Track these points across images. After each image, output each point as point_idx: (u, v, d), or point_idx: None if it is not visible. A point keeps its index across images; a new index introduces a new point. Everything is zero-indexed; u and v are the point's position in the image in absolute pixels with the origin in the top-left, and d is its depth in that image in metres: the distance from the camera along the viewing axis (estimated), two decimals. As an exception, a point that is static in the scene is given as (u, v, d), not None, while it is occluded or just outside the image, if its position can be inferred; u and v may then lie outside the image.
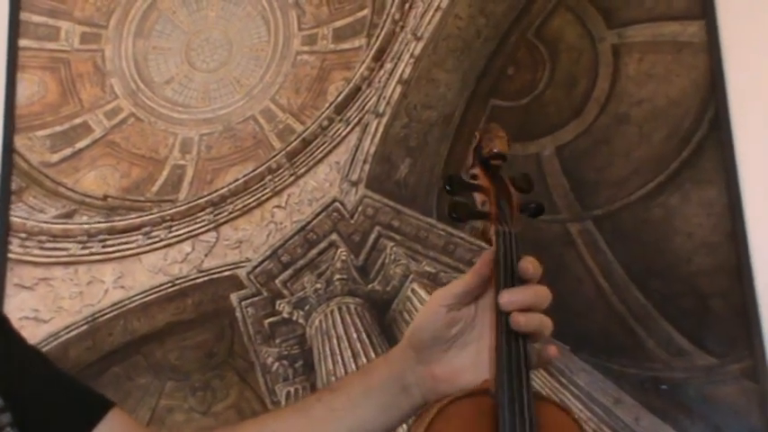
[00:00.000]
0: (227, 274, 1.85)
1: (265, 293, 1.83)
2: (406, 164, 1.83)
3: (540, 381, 1.64)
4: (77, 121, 1.99)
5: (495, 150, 1.04)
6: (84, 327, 1.86)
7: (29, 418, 0.99)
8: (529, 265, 0.98)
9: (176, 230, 1.89)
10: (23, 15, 2.04)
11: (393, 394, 1.02)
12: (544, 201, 1.02)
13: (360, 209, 1.83)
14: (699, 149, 1.74)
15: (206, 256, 1.87)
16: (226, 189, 1.90)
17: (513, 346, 0.96)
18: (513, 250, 0.99)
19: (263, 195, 1.88)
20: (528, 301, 0.97)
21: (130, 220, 1.91)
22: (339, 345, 1.77)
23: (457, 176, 1.06)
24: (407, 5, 1.90)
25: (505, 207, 1.03)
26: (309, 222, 1.84)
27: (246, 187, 1.89)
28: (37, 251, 1.92)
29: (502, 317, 0.96)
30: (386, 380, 1.04)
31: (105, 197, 1.93)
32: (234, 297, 1.84)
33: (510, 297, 0.96)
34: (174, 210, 1.91)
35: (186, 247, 1.88)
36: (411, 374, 1.03)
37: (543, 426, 0.94)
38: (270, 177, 1.89)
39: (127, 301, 1.87)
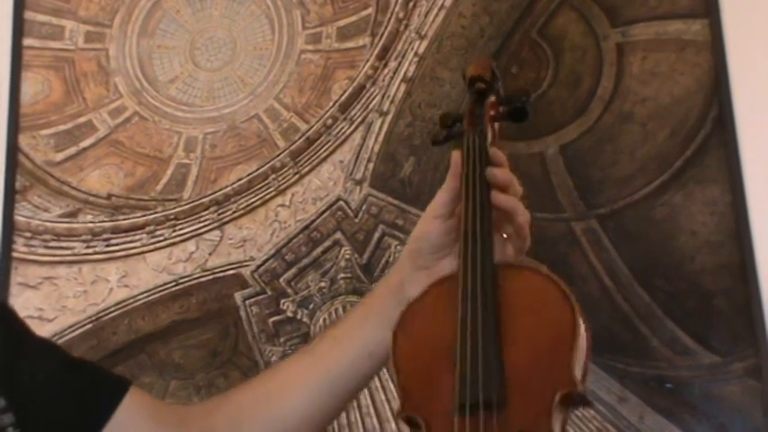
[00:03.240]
0: (231, 272, 1.85)
1: (269, 292, 1.83)
2: (410, 162, 1.83)
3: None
4: (81, 119, 1.99)
5: (470, 74, 1.15)
6: (89, 326, 1.86)
7: (47, 410, 0.99)
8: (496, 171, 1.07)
9: (180, 229, 1.89)
10: (27, 14, 2.05)
11: (392, 308, 1.05)
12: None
13: (364, 207, 1.83)
14: (703, 148, 1.74)
15: (210, 254, 1.87)
16: (230, 188, 1.90)
17: (472, 208, 1.03)
18: (476, 146, 1.08)
19: (267, 194, 1.88)
20: (507, 178, 1.06)
21: (135, 219, 1.92)
22: (343, 343, 1.77)
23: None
24: (411, 4, 1.90)
25: (480, 114, 1.11)
26: (313, 221, 1.84)
27: (250, 186, 1.89)
28: (41, 250, 1.92)
29: (468, 188, 1.05)
30: (385, 298, 1.09)
31: (109, 196, 1.94)
32: (238, 296, 1.84)
33: (494, 170, 1.06)
34: (178, 209, 1.91)
35: (190, 245, 1.88)
36: (409, 284, 1.07)
37: (509, 289, 0.97)
38: (274, 176, 1.89)
39: (131, 300, 1.87)
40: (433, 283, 1.05)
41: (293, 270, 1.83)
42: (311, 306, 1.81)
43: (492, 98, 1.14)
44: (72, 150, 1.98)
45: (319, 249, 1.83)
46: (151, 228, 1.91)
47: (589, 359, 0.93)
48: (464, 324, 0.95)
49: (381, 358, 1.07)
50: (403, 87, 1.87)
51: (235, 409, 1.11)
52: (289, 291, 1.82)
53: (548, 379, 0.89)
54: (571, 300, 0.94)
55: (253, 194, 1.89)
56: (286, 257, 1.84)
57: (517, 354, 0.92)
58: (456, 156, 1.11)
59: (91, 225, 1.93)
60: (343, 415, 1.73)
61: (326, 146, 1.88)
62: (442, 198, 1.10)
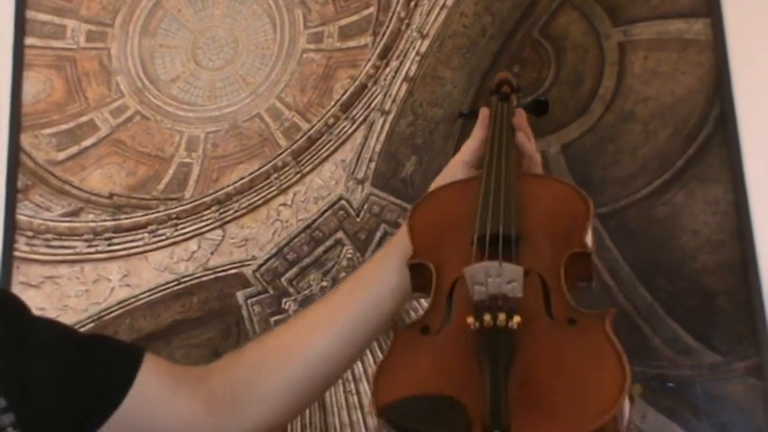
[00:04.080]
0: (233, 272, 1.85)
1: (271, 291, 1.83)
2: (411, 162, 1.83)
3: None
4: (83, 119, 1.99)
5: (497, 80, 1.31)
6: (91, 325, 1.86)
7: (54, 403, 0.98)
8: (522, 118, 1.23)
9: (182, 228, 1.90)
10: (29, 14, 2.05)
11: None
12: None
13: (366, 207, 1.83)
14: (704, 147, 1.74)
15: (212, 254, 1.87)
16: (232, 187, 1.90)
17: (498, 141, 1.14)
18: (503, 106, 1.23)
19: (268, 193, 1.88)
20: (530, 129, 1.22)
21: (136, 219, 1.92)
22: (345, 342, 1.77)
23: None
24: (413, 3, 1.90)
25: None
26: (315, 220, 1.85)
27: (252, 185, 1.89)
28: (43, 249, 1.92)
29: (495, 131, 1.18)
30: (405, 240, 1.10)
31: (111, 195, 1.94)
32: (240, 295, 1.84)
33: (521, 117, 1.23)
34: (179, 208, 1.91)
35: (192, 245, 1.88)
36: None
37: (529, 187, 1.06)
38: (276, 175, 1.89)
39: (133, 300, 1.87)
40: (453, 181, 1.13)
41: (295, 269, 1.83)
42: (313, 305, 1.80)
43: (514, 100, 1.28)
44: (74, 149, 1.98)
45: (321, 248, 1.83)
46: (153, 227, 1.91)
47: (596, 246, 0.99)
48: (488, 181, 1.04)
49: (403, 293, 1.09)
50: (405, 87, 1.87)
51: (258, 357, 1.11)
52: (291, 290, 1.82)
53: (561, 240, 0.95)
54: (586, 197, 1.01)
55: (254, 194, 1.89)
56: (288, 257, 1.84)
57: (534, 220, 0.99)
58: (485, 110, 1.23)
59: (92, 224, 1.93)
60: (345, 414, 1.73)
61: (328, 145, 1.88)
62: (470, 146, 1.19)
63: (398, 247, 1.10)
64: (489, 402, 0.72)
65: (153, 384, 1.06)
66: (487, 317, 0.81)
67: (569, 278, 0.91)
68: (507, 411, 0.71)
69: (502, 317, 0.81)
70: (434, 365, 0.84)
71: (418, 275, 0.99)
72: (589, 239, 0.96)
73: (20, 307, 1.06)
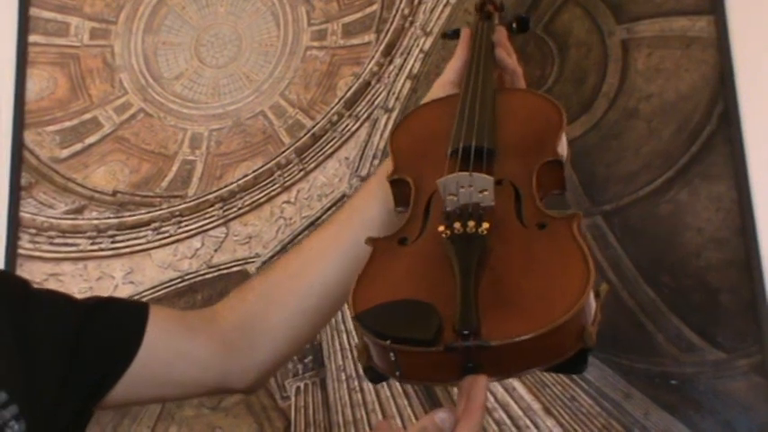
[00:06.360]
0: (236, 269, 1.85)
1: (275, 289, 1.83)
2: (415, 159, 1.83)
3: (550, 376, 1.65)
4: (87, 116, 2.00)
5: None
6: (94, 322, 1.86)
7: (58, 387, 0.98)
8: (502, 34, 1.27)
9: (186, 226, 1.90)
10: (33, 11, 2.05)
11: None
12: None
13: (369, 204, 1.83)
14: (708, 144, 1.73)
15: (215, 251, 1.87)
16: (235, 184, 1.90)
17: (477, 57, 1.19)
18: (485, 25, 1.26)
19: (272, 191, 1.88)
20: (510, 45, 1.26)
21: (140, 216, 1.92)
22: (349, 340, 1.77)
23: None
24: (417, 1, 1.90)
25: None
26: (319, 218, 1.85)
27: (256, 183, 1.89)
28: (46, 247, 1.92)
29: (476, 47, 1.22)
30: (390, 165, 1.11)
31: (115, 193, 1.94)
32: (243, 292, 1.84)
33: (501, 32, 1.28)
34: (183, 205, 1.91)
35: (196, 242, 1.88)
36: None
37: (506, 99, 1.11)
38: (279, 173, 1.89)
39: (136, 297, 1.87)
40: (433, 99, 1.17)
41: (298, 267, 1.83)
42: (316, 302, 1.80)
43: (496, 18, 1.32)
44: (77, 147, 1.98)
45: (324, 246, 1.83)
46: (156, 224, 1.91)
47: (569, 161, 1.03)
48: (465, 96, 1.08)
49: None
50: (408, 84, 1.87)
51: (266, 290, 1.13)
52: (294, 287, 1.82)
53: (534, 149, 0.99)
54: (560, 106, 1.05)
55: (258, 191, 1.89)
56: (291, 254, 1.84)
57: (509, 131, 1.03)
58: (467, 30, 1.27)
59: (96, 222, 1.93)
60: (349, 412, 1.73)
61: (332, 142, 1.88)
62: (453, 65, 1.22)
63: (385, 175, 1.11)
64: (459, 305, 0.75)
65: (164, 335, 1.07)
66: (458, 224, 0.85)
67: (542, 186, 0.94)
68: (477, 313, 0.74)
69: (471, 223, 0.85)
70: (409, 273, 0.87)
71: (399, 190, 1.02)
72: (562, 149, 1.00)
73: (20, 288, 1.05)
